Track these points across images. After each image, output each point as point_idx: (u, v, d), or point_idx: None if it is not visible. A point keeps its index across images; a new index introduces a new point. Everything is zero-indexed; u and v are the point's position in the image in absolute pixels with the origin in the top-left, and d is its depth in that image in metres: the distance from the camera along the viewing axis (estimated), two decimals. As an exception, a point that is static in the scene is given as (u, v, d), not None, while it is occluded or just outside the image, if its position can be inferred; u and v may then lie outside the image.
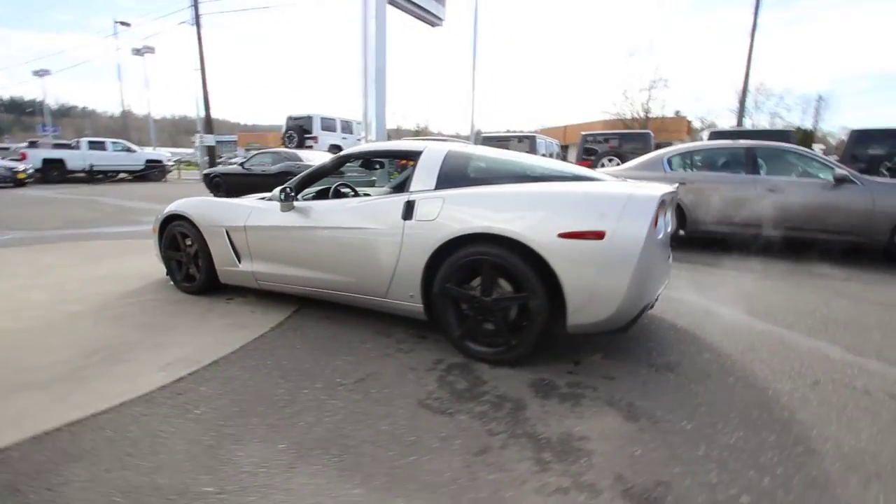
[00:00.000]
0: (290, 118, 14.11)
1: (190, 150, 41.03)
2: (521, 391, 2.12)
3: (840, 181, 5.20)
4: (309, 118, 13.70)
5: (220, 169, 11.27)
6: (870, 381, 2.26)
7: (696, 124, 35.30)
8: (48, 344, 2.61)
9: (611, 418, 1.91)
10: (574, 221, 2.09)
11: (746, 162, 5.84)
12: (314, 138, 13.40)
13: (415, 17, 12.90)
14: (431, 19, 13.16)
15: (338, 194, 3.43)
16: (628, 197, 2.07)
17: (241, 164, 10.34)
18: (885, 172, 8.02)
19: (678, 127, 33.33)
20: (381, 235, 2.57)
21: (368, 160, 3.71)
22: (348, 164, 3.51)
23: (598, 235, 2.04)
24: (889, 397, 2.10)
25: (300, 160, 9.64)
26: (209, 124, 19.08)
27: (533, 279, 2.18)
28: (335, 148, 13.51)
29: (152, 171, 17.14)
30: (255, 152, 10.68)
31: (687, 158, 6.19)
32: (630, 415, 1.93)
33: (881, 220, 5.02)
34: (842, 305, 3.49)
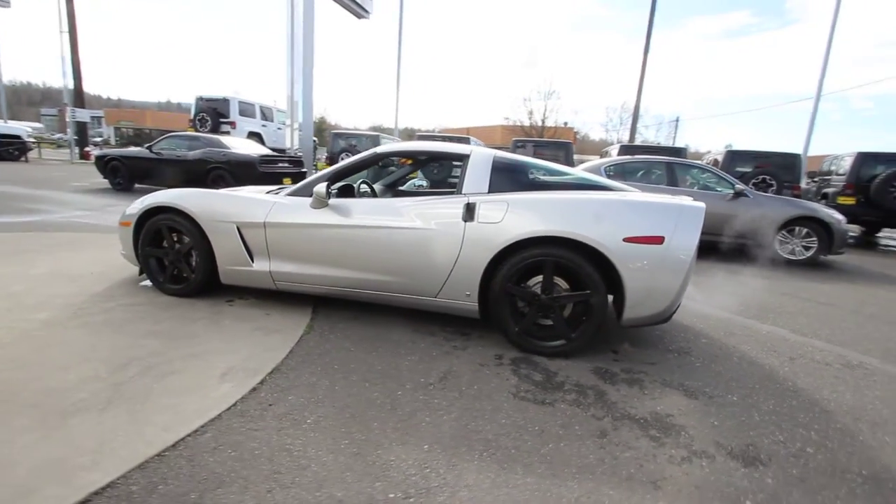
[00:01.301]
0: (201, 99, 12.56)
1: (37, 125, 34.30)
2: (591, 379, 2.36)
3: (738, 194, 6.35)
4: (225, 101, 12.35)
5: (119, 151, 9.73)
6: (824, 355, 2.92)
7: (581, 135, 39.11)
8: (51, 359, 2.19)
9: (676, 397, 2.24)
10: (637, 228, 2.38)
11: (668, 174, 6.84)
12: (231, 123, 12.13)
13: (342, 5, 12.46)
14: (358, 10, 12.84)
15: (354, 191, 3.34)
16: (681, 208, 2.42)
17: (149, 148, 9.07)
18: (752, 188, 9.87)
19: (567, 136, 36.72)
20: (439, 236, 2.62)
21: (393, 159, 3.65)
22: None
23: (658, 241, 2.36)
24: (845, 366, 2.75)
25: (223, 147, 8.79)
26: (80, 97, 16.27)
27: (596, 278, 2.43)
28: (254, 136, 12.44)
29: (6, 149, 14.07)
30: (168, 135, 9.43)
31: (620, 169, 7.01)
32: (688, 393, 2.28)
33: (768, 227, 6.26)
34: (767, 296, 4.34)
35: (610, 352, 2.72)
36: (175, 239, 3.21)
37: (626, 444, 1.81)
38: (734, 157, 10.14)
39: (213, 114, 12.10)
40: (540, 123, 34.99)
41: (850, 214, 7.78)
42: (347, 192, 3.33)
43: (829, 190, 9.71)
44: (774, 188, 9.55)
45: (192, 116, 12.37)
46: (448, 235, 2.60)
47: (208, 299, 3.20)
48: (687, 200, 2.55)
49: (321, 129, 38.02)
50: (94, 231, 5.41)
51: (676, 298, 2.44)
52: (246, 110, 12.59)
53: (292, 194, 3.00)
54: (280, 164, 9.06)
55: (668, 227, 2.37)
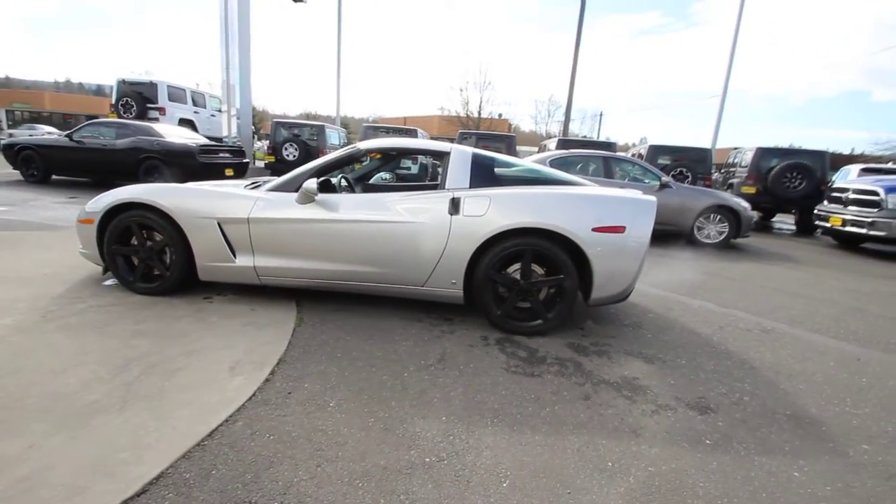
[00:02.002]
0: (123, 82, 11.38)
1: None
2: (567, 352, 2.69)
3: (664, 186, 7.09)
4: (152, 85, 11.30)
5: (32, 140, 8.71)
6: (745, 323, 3.49)
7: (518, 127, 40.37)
8: (42, 364, 2.12)
9: (638, 363, 2.62)
10: (604, 219, 2.72)
11: (604, 167, 7.47)
12: (160, 109, 11.17)
13: (277, -14, 11.91)
14: (296, -8, 12.35)
15: (333, 186, 3.41)
16: (638, 201, 2.79)
17: (69, 136, 8.23)
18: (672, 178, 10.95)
19: (502, 128, 37.74)
20: (427, 229, 2.80)
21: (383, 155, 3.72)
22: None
23: (621, 230, 2.72)
24: (763, 332, 3.32)
25: (157, 135, 8.21)
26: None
27: (569, 264, 2.75)
28: (185, 123, 11.59)
29: None
30: (91, 122, 8.58)
31: (563, 162, 7.53)
32: (646, 359, 2.68)
33: (688, 215, 7.07)
34: (693, 275, 4.97)
35: (577, 329, 3.08)
36: (145, 236, 3.12)
37: (607, 404, 2.15)
38: (656, 151, 11.15)
39: (139, 98, 11.09)
40: (476, 114, 35.66)
41: (752, 202, 8.90)
42: (327, 187, 3.40)
43: (734, 181, 11.00)
44: (690, 179, 10.65)
45: (113, 101, 11.26)
46: (436, 228, 2.80)
47: (185, 297, 3.15)
48: (638, 194, 2.94)
49: (257, 118, 35.99)
50: (26, 229, 4.94)
51: (634, 280, 2.83)
52: (176, 95, 11.67)
53: (276, 189, 3.03)
54: (220, 155, 8.64)
55: (628, 219, 2.74)
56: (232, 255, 3.00)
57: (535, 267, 2.87)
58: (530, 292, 2.83)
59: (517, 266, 2.85)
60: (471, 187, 2.90)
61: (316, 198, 2.88)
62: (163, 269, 3.11)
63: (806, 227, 10.13)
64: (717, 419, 2.09)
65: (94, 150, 8.13)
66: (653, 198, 2.85)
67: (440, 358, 2.50)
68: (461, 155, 3.02)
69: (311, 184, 2.80)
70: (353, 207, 2.91)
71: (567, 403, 2.13)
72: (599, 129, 38.26)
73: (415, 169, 10.89)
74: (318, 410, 1.91)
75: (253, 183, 3.45)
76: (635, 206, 2.77)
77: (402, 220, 2.82)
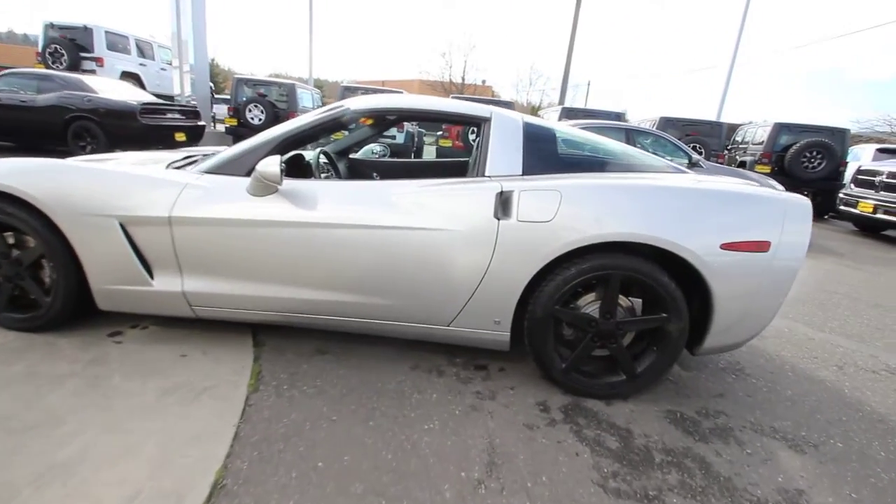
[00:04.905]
0: (51, 26, 9.45)
1: None
2: (673, 434, 1.75)
3: (693, 164, 6.17)
4: (86, 30, 9.39)
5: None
6: (861, 359, 2.64)
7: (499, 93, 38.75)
8: None
9: (784, 453, 1.71)
10: (738, 230, 1.74)
11: (627, 142, 6.47)
12: (97, 60, 9.36)
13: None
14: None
15: (307, 165, 2.32)
16: (787, 202, 1.81)
17: (-22, 89, 6.66)
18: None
19: (486, 94, 36.12)
20: (459, 241, 1.77)
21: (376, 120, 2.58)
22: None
23: (764, 247, 1.75)
24: (892, 373, 2.47)
25: (88, 90, 6.74)
26: None
27: (678, 298, 1.78)
28: (129, 77, 9.89)
29: None
30: (5, 73, 6.99)
31: (578, 134, 6.50)
32: (791, 444, 1.77)
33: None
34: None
35: (665, 380, 2.15)
36: (11, 242, 1.99)
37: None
38: (666, 124, 10.21)
39: (71, 46, 9.27)
40: (460, 80, 33.86)
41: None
42: (297, 168, 2.28)
43: (747, 158, 10.22)
44: (703, 155, 9.81)
45: (39, 49, 9.43)
46: (472, 239, 1.77)
47: (80, 333, 2.07)
48: (782, 191, 1.97)
49: (214, 74, 33.21)
50: None
51: (771, 319, 1.89)
52: (117, 44, 9.85)
53: (214, 171, 1.92)
54: (169, 115, 7.23)
55: (774, 229, 1.76)
56: (147, 274, 1.91)
57: (622, 298, 1.89)
58: (613, 336, 1.86)
59: (589, 296, 1.87)
60: (525, 174, 1.87)
61: (279, 187, 1.80)
62: (40, 292, 2.00)
63: (820, 211, 9.48)
64: None
65: (10, 107, 6.62)
66: (806, 200, 1.87)
67: (489, 462, 1.52)
68: (507, 123, 1.97)
69: (271, 165, 1.70)
70: (338, 202, 1.84)
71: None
72: (586, 99, 36.99)
73: (400, 138, 9.64)
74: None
75: (187, 158, 2.30)
76: (784, 210, 1.79)
77: (416, 224, 1.78)
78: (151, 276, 1.92)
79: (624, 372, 1.89)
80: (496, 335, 1.90)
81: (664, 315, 1.80)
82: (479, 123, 1.99)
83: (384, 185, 1.88)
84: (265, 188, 1.77)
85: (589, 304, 1.87)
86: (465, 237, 1.77)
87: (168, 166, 2.05)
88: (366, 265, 1.82)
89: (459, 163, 3.08)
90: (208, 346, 2.06)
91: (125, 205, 1.85)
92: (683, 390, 2.08)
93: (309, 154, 2.42)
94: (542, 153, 1.96)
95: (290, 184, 1.85)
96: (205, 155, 2.22)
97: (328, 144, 3.23)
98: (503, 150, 1.89)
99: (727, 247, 1.73)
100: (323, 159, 2.55)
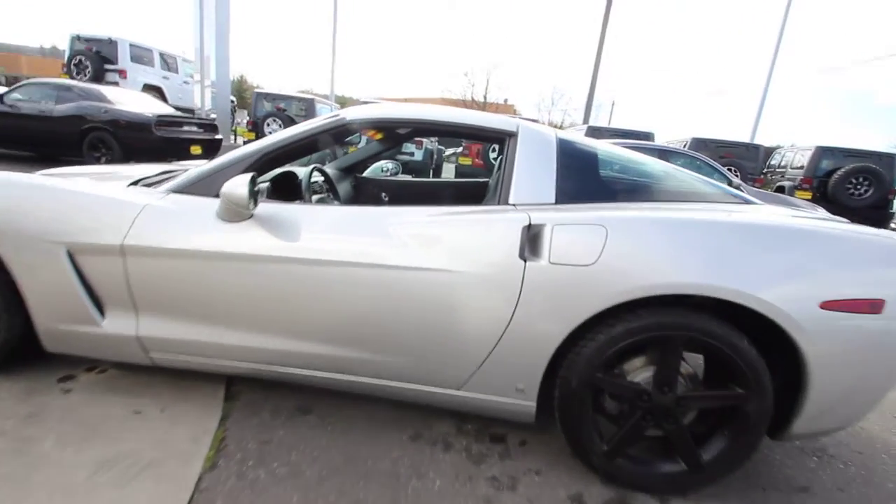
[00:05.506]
0: (77, 38, 9.62)
1: None
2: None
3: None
4: (111, 42, 9.55)
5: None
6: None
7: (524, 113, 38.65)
8: None
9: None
10: (845, 283, 1.32)
11: (659, 163, 6.05)
12: (121, 72, 9.48)
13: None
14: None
15: (298, 185, 1.98)
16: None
17: None
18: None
19: (507, 113, 36.02)
20: (473, 286, 1.40)
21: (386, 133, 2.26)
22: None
23: (877, 307, 1.32)
24: None
25: (105, 101, 6.67)
26: None
27: (762, 370, 1.36)
28: (151, 89, 9.96)
29: None
30: (25, 82, 7.00)
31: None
32: None
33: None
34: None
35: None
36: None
37: None
38: (699, 145, 9.71)
39: (96, 58, 9.40)
40: (482, 99, 33.87)
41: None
42: (286, 186, 1.95)
43: (785, 183, 9.63)
44: (739, 179, 9.27)
45: (65, 60, 9.58)
46: (491, 285, 1.39)
47: (28, 375, 1.75)
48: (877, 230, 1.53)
49: (241, 90, 34.05)
50: None
51: (879, 400, 1.44)
52: (141, 56, 9.95)
53: (182, 190, 1.60)
54: (186, 128, 7.11)
55: (888, 282, 1.33)
56: (97, 312, 1.59)
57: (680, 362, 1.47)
58: (672, 415, 1.43)
59: (638, 360, 1.46)
60: (559, 203, 1.49)
61: (253, 211, 1.46)
62: (-25, 328, 1.69)
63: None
64: None
65: (29, 116, 6.58)
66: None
67: None
68: (538, 139, 1.60)
69: (239, 186, 1.36)
70: (326, 232, 1.49)
71: None
72: (610, 119, 36.52)
73: (418, 155, 9.37)
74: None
75: (165, 174, 1.99)
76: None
77: (423, 264, 1.41)
78: (102, 314, 1.60)
79: (684, 460, 1.46)
80: (519, 405, 1.50)
81: (742, 392, 1.38)
82: (503, 139, 1.62)
83: (384, 212, 1.52)
84: (234, 213, 1.44)
85: (638, 371, 1.46)
86: (481, 282, 1.39)
87: (134, 183, 1.74)
88: (355, 312, 1.46)
89: (481, 184, 2.72)
90: (170, 399, 1.71)
91: (73, 229, 1.53)
92: (756, 479, 1.63)
93: (305, 172, 2.10)
94: (581, 176, 1.58)
95: (270, 208, 1.51)
96: (175, 172, 1.91)
97: (336, 160, 2.92)
98: (532, 171, 1.52)
99: (829, 306, 1.30)
100: (317, 178, 2.21)
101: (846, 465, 1.79)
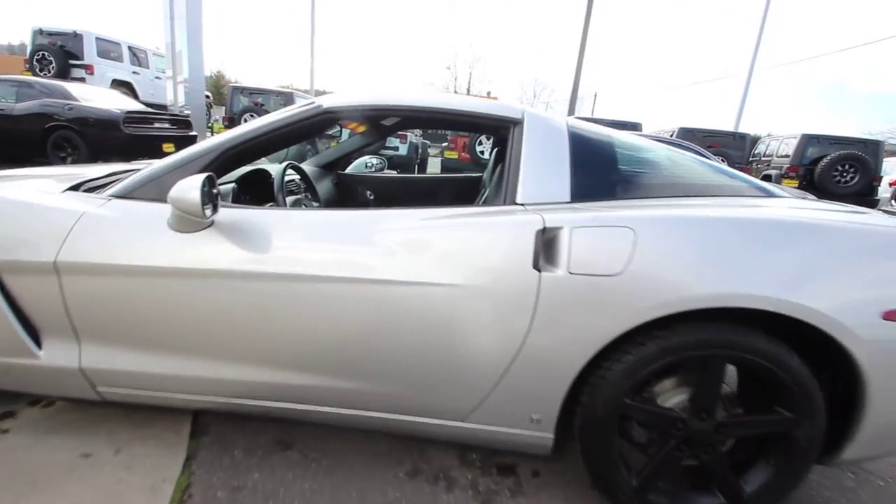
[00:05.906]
0: (39, 32, 9.03)
1: None
2: None
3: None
4: (76, 36, 8.96)
5: None
6: None
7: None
8: None
9: None
10: (909, 290, 1.14)
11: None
12: (87, 67, 8.95)
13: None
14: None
15: (269, 185, 1.73)
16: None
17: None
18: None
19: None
20: (478, 302, 1.18)
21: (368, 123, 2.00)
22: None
23: (945, 315, 1.14)
24: None
25: (70, 98, 6.27)
26: None
27: (815, 392, 1.17)
28: (121, 85, 9.44)
29: None
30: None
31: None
32: None
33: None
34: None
35: None
36: None
37: None
38: (686, 135, 9.63)
39: (60, 53, 8.85)
40: (465, 92, 33.56)
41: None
42: (257, 187, 1.70)
43: (771, 172, 9.61)
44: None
45: (27, 56, 9.01)
46: (500, 301, 1.18)
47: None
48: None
49: (218, 85, 33.06)
50: None
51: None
52: (108, 51, 9.40)
53: (127, 194, 1.34)
54: (157, 125, 6.73)
55: (958, 288, 1.16)
56: (31, 343, 1.33)
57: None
58: (708, 444, 1.24)
59: (668, 382, 1.27)
60: (575, 201, 1.28)
61: (212, 218, 1.22)
62: None
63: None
64: None
65: (-15, 115, 6.15)
66: None
67: None
68: (547, 127, 1.38)
69: (189, 190, 1.12)
70: (301, 241, 1.26)
71: None
72: (593, 111, 36.49)
73: (403, 150, 9.06)
74: None
75: (113, 175, 1.71)
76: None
77: (418, 278, 1.19)
78: (39, 344, 1.34)
79: (724, 494, 1.28)
80: (534, 437, 1.29)
81: (790, 416, 1.19)
82: (507, 128, 1.40)
83: (371, 216, 1.29)
84: (187, 221, 1.19)
85: (669, 394, 1.27)
86: (488, 297, 1.18)
87: (74, 187, 1.47)
88: (338, 335, 1.24)
89: (475, 179, 2.50)
90: (127, 438, 1.47)
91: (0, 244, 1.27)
92: (795, 502, 1.46)
93: (278, 169, 1.84)
94: (598, 170, 1.38)
95: (234, 214, 1.27)
96: (121, 174, 1.63)
97: (316, 156, 2.66)
98: (543, 165, 1.31)
99: (891, 316, 1.12)
100: (292, 176, 1.96)
101: (886, 482, 1.63)
